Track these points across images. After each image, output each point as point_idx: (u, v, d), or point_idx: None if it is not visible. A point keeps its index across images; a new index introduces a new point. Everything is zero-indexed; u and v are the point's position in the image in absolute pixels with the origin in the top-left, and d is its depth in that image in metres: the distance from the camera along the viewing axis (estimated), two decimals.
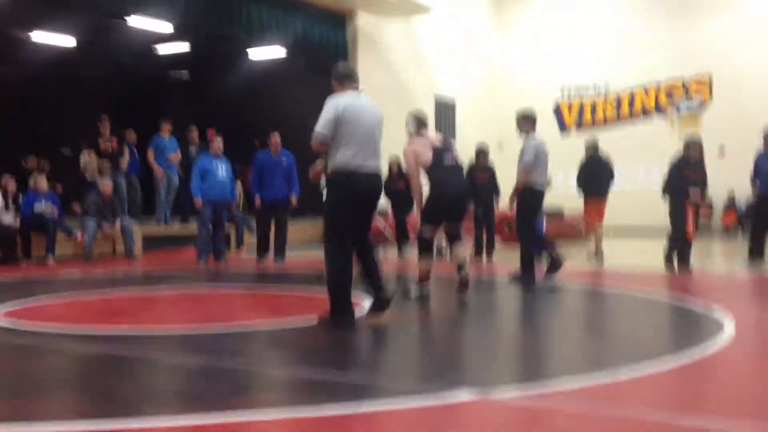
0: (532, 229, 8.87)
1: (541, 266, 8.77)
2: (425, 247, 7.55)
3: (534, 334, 6.08)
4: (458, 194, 7.62)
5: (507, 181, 11.17)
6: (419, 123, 7.57)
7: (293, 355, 5.06)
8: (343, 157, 5.62)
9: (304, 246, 13.90)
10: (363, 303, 6.26)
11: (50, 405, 3.83)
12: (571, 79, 21.49)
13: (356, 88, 5.86)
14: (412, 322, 6.43)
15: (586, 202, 12.18)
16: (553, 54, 21.45)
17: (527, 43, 21.85)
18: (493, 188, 12.33)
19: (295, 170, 11.16)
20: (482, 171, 12.24)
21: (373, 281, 5.95)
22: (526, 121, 8.79)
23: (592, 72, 21.23)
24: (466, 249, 8.07)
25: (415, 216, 8.14)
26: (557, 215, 15.55)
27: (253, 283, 9.41)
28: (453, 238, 7.82)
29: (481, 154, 12.43)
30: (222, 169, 10.95)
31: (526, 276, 8.53)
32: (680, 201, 10.03)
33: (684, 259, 10.05)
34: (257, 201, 11.07)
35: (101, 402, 3.83)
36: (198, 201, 10.81)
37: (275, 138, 11.13)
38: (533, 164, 8.52)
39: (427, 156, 7.42)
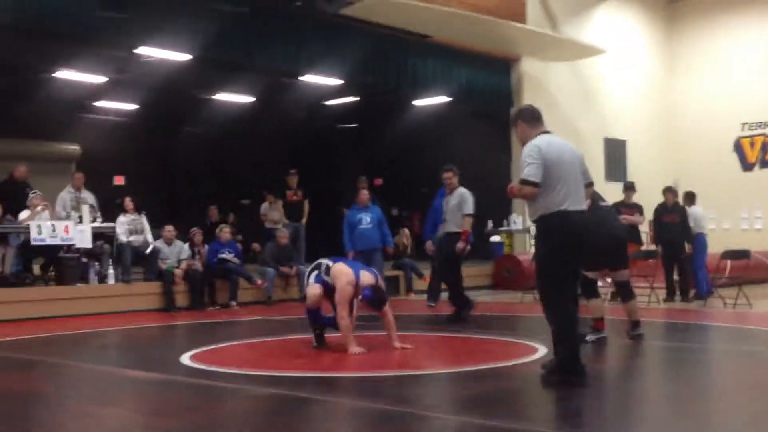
0: None
1: None
2: (590, 289, 7.25)
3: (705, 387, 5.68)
4: (611, 238, 7.30)
5: None
6: None
7: (470, 401, 5.02)
8: (553, 200, 5.15)
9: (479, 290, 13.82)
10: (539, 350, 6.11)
11: None
12: (753, 116, 20.15)
13: (544, 129, 5.43)
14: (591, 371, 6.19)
15: None
16: (731, 91, 20.24)
17: (702, 80, 20.81)
18: (684, 229, 11.55)
19: None
20: (670, 212, 11.68)
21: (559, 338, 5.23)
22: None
23: None
24: (636, 305, 7.66)
25: None
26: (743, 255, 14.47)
27: (425, 325, 9.42)
28: (620, 288, 7.52)
29: (669, 193, 11.80)
30: (366, 220, 11.19)
31: None
32: None
33: None
34: (428, 246, 11.12)
35: None
36: (348, 254, 11.05)
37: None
38: None
39: None
